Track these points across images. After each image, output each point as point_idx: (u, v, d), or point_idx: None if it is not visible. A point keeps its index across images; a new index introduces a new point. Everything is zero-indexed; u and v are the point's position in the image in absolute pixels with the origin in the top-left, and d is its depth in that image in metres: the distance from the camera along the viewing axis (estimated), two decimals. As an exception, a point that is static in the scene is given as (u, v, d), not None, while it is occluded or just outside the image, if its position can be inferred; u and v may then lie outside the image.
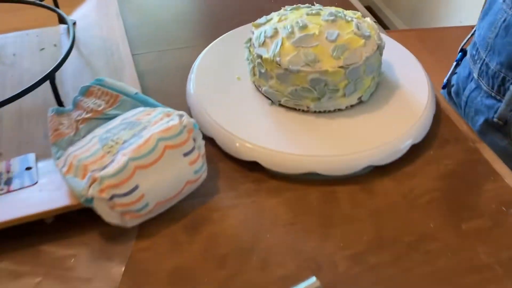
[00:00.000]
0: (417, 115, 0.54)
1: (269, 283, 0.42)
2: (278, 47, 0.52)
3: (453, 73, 0.87)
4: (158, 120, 0.48)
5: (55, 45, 0.67)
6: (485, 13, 0.75)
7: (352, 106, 0.55)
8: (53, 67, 0.53)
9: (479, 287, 0.42)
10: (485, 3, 0.78)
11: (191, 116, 0.57)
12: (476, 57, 0.75)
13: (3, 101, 0.50)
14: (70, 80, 0.61)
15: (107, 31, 0.68)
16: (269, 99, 0.56)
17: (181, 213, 0.48)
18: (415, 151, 0.53)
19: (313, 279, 0.41)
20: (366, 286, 0.42)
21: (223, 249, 0.45)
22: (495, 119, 0.69)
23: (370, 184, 0.51)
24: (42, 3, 0.63)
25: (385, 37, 0.64)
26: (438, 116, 0.58)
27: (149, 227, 0.46)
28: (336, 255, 0.44)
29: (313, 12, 0.55)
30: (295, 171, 0.50)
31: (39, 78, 0.52)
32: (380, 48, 0.54)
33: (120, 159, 0.44)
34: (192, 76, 0.60)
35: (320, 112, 0.54)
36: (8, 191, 0.47)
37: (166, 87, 0.63)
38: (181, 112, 0.49)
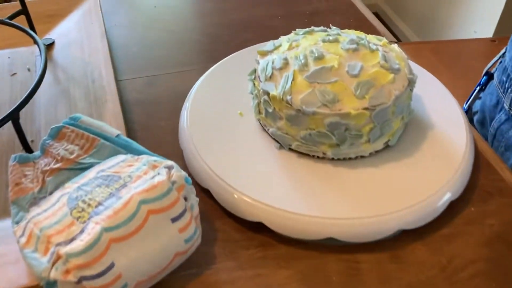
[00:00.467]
0: (455, 163, 0.45)
1: None
2: (289, 82, 0.43)
3: (476, 98, 0.77)
4: (141, 175, 0.39)
5: (28, 69, 0.58)
6: (520, 34, 0.66)
7: (376, 151, 0.46)
8: (17, 104, 0.44)
9: None
10: None
11: (182, 161, 0.48)
12: (507, 85, 0.66)
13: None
14: (43, 112, 0.52)
15: (89, 53, 0.59)
16: (277, 141, 0.47)
17: (168, 291, 0.39)
18: (452, 208, 0.44)
19: None
20: None
21: None
22: None
23: (399, 251, 0.42)
24: (9, 21, 0.54)
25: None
26: (477, 162, 0.49)
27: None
28: None
29: (331, 38, 0.46)
30: (309, 236, 0.41)
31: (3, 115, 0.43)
32: (411, 84, 0.45)
33: (92, 230, 0.35)
34: (186, 109, 0.51)
35: (338, 159, 0.45)
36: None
37: (155, 121, 0.54)
38: (169, 163, 0.40)
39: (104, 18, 0.65)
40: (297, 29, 0.50)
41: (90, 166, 0.42)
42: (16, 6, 0.57)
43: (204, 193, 0.45)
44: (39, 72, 0.48)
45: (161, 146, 0.51)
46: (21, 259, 0.37)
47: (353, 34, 0.49)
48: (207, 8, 0.75)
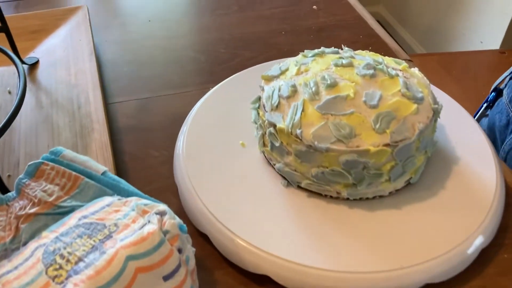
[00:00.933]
0: (486, 202, 0.40)
1: None
2: (298, 113, 0.38)
3: (483, 115, 0.72)
4: (129, 223, 0.34)
5: (9, 92, 0.53)
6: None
7: (397, 190, 0.41)
8: (-11, 138, 0.38)
9: None
10: None
11: (178, 198, 0.42)
12: None
13: None
14: (23, 141, 0.47)
15: (76, 75, 0.53)
16: (285, 178, 0.41)
17: None
18: (483, 255, 0.39)
19: None
20: None
21: None
22: None
23: (426, 308, 0.36)
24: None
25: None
26: (508, 199, 0.44)
27: None
28: None
29: (344, 62, 0.41)
30: (323, 293, 0.35)
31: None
32: (436, 114, 0.40)
33: (69, 294, 0.30)
34: (182, 139, 0.46)
35: (354, 199, 0.40)
36: None
37: (147, 151, 0.49)
38: (162, 208, 0.35)
39: (93, 34, 0.60)
40: (305, 51, 0.45)
41: (71, 209, 0.37)
42: (-5, 22, 0.52)
43: (202, 237, 0.40)
44: (17, 98, 0.43)
45: (154, 181, 0.45)
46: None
47: (368, 56, 0.44)
48: (206, 23, 0.70)
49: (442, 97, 0.51)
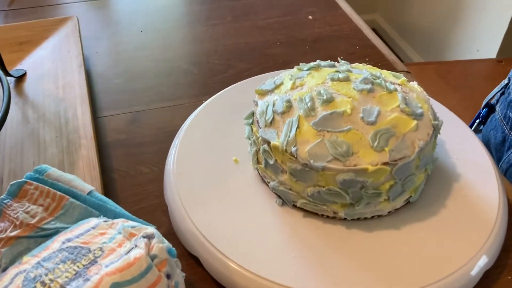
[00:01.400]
0: (489, 222, 0.38)
1: None
2: (293, 130, 0.36)
3: (476, 131, 0.70)
4: (115, 247, 0.32)
5: (-5, 106, 0.51)
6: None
7: (396, 209, 0.39)
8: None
9: None
10: None
11: (169, 217, 0.41)
12: None
13: None
14: (7, 158, 0.45)
15: (64, 88, 0.52)
16: (279, 196, 0.40)
17: None
18: (485, 277, 0.37)
19: None
20: None
21: None
22: None
23: (427, 335, 0.35)
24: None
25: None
26: (510, 218, 0.42)
27: None
28: None
29: (340, 76, 0.40)
30: (320, 320, 0.33)
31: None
32: (436, 131, 0.39)
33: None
34: (173, 154, 0.44)
35: (352, 219, 0.38)
36: None
37: (137, 167, 0.47)
38: (149, 231, 0.33)
39: (83, 45, 0.58)
40: (300, 64, 0.44)
41: (55, 232, 0.35)
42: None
43: (193, 258, 0.38)
44: (1, 112, 0.41)
45: (144, 199, 0.44)
46: None
47: (365, 70, 0.42)
48: (199, 33, 0.68)
49: (441, 109, 0.49)
